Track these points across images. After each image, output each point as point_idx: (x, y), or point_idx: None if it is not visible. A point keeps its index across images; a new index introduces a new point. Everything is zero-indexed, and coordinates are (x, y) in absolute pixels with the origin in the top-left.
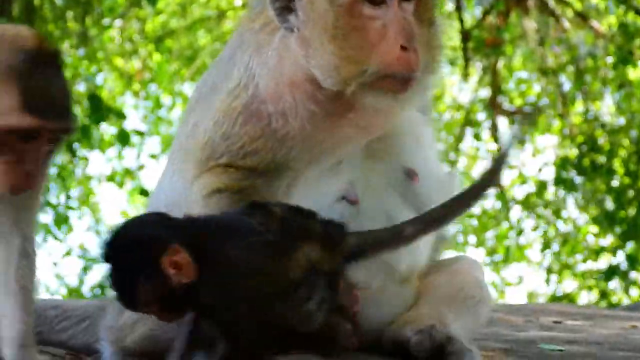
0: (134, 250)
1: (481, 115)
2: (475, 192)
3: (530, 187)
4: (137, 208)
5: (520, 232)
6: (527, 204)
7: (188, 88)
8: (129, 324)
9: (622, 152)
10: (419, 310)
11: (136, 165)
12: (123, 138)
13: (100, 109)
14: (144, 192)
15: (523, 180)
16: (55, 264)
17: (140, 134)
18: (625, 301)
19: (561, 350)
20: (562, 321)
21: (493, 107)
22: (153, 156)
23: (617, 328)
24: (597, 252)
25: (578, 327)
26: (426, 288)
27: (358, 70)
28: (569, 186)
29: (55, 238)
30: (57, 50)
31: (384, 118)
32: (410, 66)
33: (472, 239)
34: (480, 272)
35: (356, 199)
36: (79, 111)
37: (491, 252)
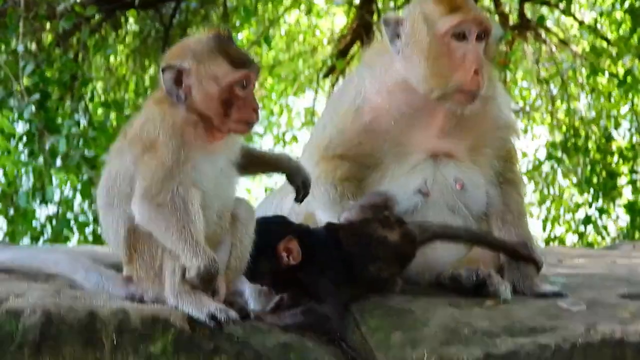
0: (260, 236)
1: None
2: (505, 249)
3: (530, 162)
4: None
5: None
6: (528, 174)
7: (291, 101)
8: None
9: (594, 136)
10: (469, 258)
11: None
12: (247, 137)
13: None
14: None
15: (525, 156)
16: None
17: (260, 135)
18: (598, 240)
19: (565, 282)
20: (563, 260)
21: None
22: None
23: (602, 264)
24: (577, 207)
25: (575, 264)
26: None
27: (442, 83)
28: (557, 161)
29: None
30: (227, 30)
31: (448, 126)
32: (478, 85)
33: None
34: None
35: (428, 192)
36: None
37: None
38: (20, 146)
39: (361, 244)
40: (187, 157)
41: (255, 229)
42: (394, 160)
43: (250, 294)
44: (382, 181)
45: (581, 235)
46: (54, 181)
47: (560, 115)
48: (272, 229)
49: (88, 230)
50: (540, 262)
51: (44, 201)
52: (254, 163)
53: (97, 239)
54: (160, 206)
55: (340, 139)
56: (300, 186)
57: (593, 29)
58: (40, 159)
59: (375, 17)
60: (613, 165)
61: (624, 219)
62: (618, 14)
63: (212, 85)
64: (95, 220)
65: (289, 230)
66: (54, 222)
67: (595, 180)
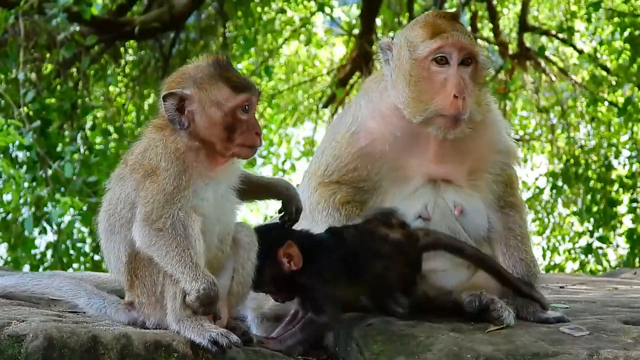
0: (261, 243)
1: None
2: (504, 278)
3: (530, 192)
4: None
5: None
6: (528, 202)
7: (290, 131)
8: (266, 295)
9: (594, 165)
10: (471, 283)
11: None
12: (250, 162)
13: None
14: None
15: (526, 186)
16: None
17: (263, 158)
18: (598, 268)
19: (567, 307)
20: (565, 286)
21: None
22: None
23: (604, 290)
24: (579, 235)
25: (576, 290)
26: (476, 270)
27: (422, 107)
28: (557, 190)
29: None
30: (226, 56)
31: (444, 151)
32: (458, 110)
33: None
34: None
35: (429, 216)
36: None
37: None
38: (21, 172)
39: (364, 240)
40: (188, 182)
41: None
42: (393, 184)
43: (253, 319)
44: (382, 205)
45: (582, 264)
46: (57, 207)
47: (560, 144)
48: (272, 235)
49: (84, 258)
50: (543, 302)
51: (44, 230)
52: (253, 189)
53: (96, 268)
54: (160, 231)
55: (335, 165)
56: (293, 213)
57: (593, 58)
58: (43, 185)
59: (374, 46)
60: (613, 193)
61: (624, 247)
62: (617, 43)
63: (215, 110)
64: (94, 249)
65: (289, 236)
66: (53, 249)
67: (595, 209)
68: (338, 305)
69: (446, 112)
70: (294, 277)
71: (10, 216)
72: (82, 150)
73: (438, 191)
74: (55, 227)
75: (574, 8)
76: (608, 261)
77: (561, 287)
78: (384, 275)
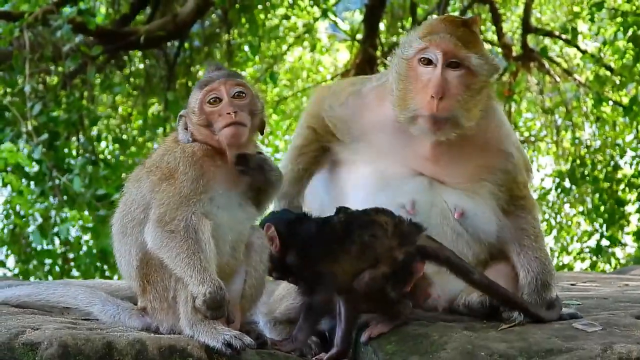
0: None
1: None
2: (518, 305)
3: (536, 193)
4: None
5: None
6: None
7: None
8: (277, 300)
9: (600, 165)
10: None
11: None
12: None
13: None
14: None
15: (532, 188)
16: None
17: None
18: (607, 268)
19: (579, 304)
20: (576, 283)
21: None
22: None
23: (615, 287)
24: (587, 235)
25: (588, 287)
26: (484, 270)
27: (405, 106)
28: (564, 191)
29: None
30: (213, 63)
31: (439, 152)
32: (432, 110)
33: None
34: None
35: (412, 211)
36: None
37: None
38: (31, 185)
39: (357, 216)
40: (205, 187)
41: None
42: (367, 157)
43: (265, 324)
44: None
45: (593, 264)
46: (65, 222)
47: (566, 144)
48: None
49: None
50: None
51: (52, 242)
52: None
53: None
54: (172, 233)
55: (325, 112)
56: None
57: (596, 59)
58: (51, 199)
59: (378, 51)
60: (620, 193)
61: (632, 246)
62: (621, 43)
63: (193, 116)
64: (102, 259)
65: (271, 219)
66: (59, 262)
67: (602, 208)
68: (328, 280)
69: (421, 112)
70: (283, 260)
71: (17, 229)
72: (91, 161)
73: (435, 191)
74: (62, 239)
75: (576, 9)
76: (617, 260)
77: (572, 285)
78: (372, 246)
